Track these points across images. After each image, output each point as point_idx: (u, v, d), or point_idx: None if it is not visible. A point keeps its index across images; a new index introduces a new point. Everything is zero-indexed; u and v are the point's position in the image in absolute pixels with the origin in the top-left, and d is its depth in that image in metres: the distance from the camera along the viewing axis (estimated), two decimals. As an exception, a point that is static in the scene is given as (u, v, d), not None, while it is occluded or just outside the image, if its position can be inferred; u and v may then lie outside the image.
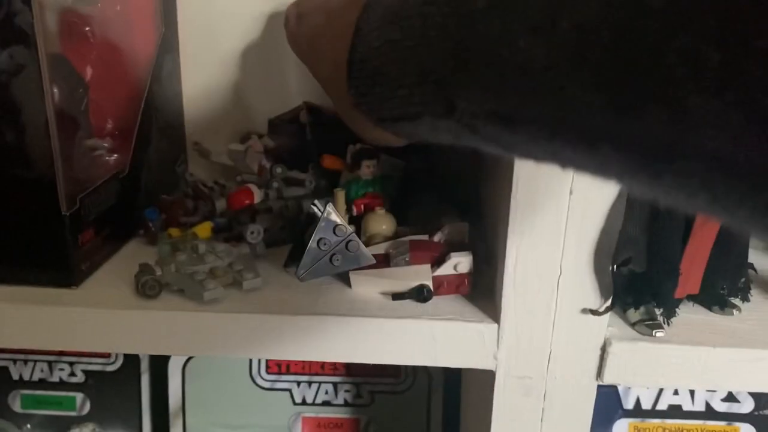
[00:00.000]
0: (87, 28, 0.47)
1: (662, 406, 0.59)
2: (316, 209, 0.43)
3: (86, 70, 0.46)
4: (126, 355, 0.66)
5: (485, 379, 0.45)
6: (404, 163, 0.53)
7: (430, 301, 0.43)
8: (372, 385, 0.67)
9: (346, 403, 0.67)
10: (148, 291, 0.42)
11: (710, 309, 0.44)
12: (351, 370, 0.66)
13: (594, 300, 0.40)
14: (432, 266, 0.43)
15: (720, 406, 0.60)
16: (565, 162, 0.22)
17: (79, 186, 0.44)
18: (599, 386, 0.43)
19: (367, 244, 0.44)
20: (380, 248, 0.45)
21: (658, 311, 0.42)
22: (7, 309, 0.42)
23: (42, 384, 0.67)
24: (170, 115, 0.60)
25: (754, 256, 0.47)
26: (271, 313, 0.42)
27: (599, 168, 0.21)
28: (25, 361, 0.66)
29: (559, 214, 0.38)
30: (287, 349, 0.42)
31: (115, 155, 0.50)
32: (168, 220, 0.52)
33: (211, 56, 0.63)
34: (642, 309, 0.42)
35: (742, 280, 0.45)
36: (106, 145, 0.50)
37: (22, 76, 0.39)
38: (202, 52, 0.63)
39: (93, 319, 0.41)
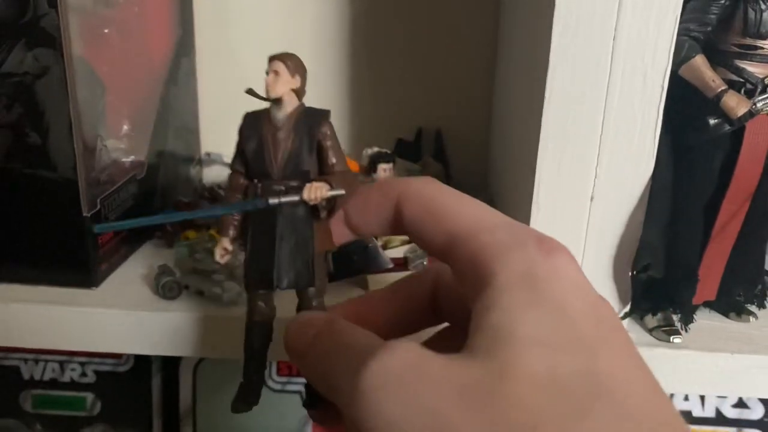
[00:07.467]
0: (106, 30, 0.47)
1: (673, 411, 0.60)
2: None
3: (103, 71, 0.46)
4: (137, 356, 0.66)
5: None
6: (420, 167, 0.53)
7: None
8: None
9: (356, 406, 0.67)
10: (168, 292, 0.43)
11: (727, 315, 0.44)
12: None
13: (613, 305, 0.40)
14: (450, 270, 0.44)
15: (730, 412, 0.60)
16: None
17: (99, 188, 0.44)
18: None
19: (385, 248, 0.45)
20: (398, 252, 0.45)
21: (675, 317, 0.42)
22: (27, 309, 0.42)
23: (53, 384, 0.67)
24: (186, 117, 0.60)
25: (770, 264, 0.48)
26: (289, 315, 0.42)
27: None
28: (36, 361, 0.66)
29: (580, 220, 0.38)
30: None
31: (132, 157, 0.51)
32: (184, 222, 0.52)
33: (226, 59, 0.64)
34: (659, 315, 0.42)
35: (759, 287, 0.45)
36: (122, 146, 0.50)
37: (46, 78, 0.39)
38: (218, 54, 0.64)
39: (114, 320, 0.42)
